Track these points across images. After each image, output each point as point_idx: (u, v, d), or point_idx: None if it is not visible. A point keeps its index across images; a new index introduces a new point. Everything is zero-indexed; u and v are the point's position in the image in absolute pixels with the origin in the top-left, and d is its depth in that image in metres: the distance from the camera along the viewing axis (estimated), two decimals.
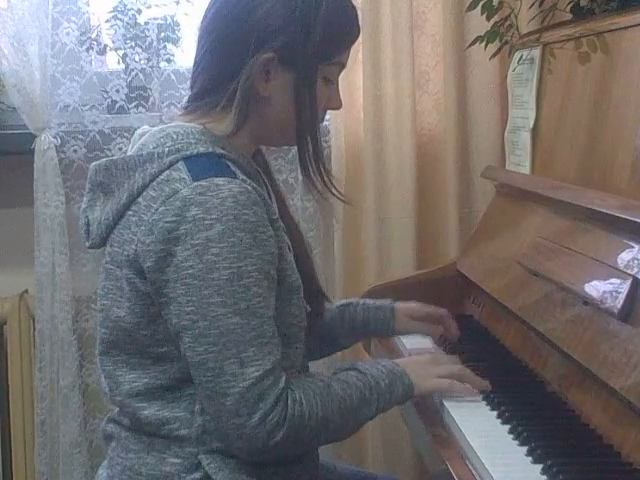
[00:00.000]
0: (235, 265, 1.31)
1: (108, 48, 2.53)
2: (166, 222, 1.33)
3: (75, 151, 2.48)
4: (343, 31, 1.48)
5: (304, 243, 1.57)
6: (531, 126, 1.99)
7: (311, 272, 1.55)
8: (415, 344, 1.83)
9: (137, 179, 1.39)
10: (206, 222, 1.31)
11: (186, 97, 1.54)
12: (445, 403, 1.49)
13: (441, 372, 1.52)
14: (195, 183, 1.33)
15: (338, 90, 1.53)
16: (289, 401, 1.34)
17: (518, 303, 1.72)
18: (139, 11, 2.51)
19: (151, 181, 1.38)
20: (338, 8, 1.46)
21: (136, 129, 1.54)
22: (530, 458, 1.27)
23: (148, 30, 2.50)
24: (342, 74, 1.55)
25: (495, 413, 1.45)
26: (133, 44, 2.49)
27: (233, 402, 1.31)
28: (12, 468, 2.55)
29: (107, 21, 2.51)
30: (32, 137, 2.45)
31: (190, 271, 1.31)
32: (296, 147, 1.49)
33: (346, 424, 1.43)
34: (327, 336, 1.74)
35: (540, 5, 2.07)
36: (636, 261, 1.38)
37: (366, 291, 2.13)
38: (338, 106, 1.55)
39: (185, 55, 2.54)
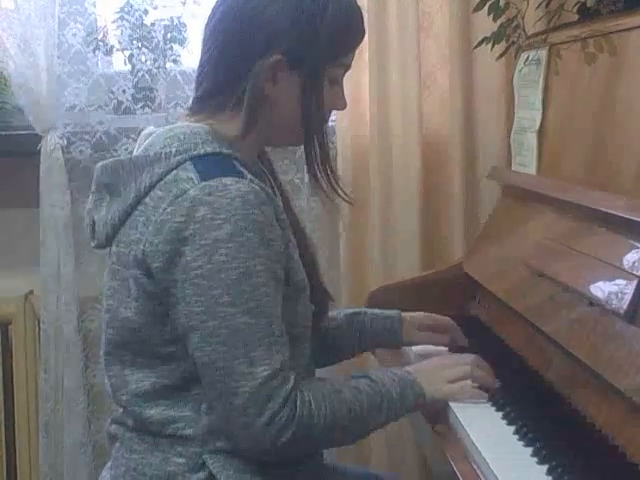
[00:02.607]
0: (244, 265, 1.32)
1: (114, 49, 2.53)
2: (174, 222, 1.33)
3: (81, 152, 2.48)
4: (349, 33, 1.49)
5: (308, 243, 1.58)
6: (537, 127, 1.99)
7: (315, 272, 1.55)
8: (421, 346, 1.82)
9: (144, 179, 1.39)
10: (215, 222, 1.31)
11: (191, 98, 1.54)
12: (450, 404, 1.49)
13: (452, 376, 1.52)
14: (203, 183, 1.34)
15: (343, 91, 1.53)
16: (298, 402, 1.34)
17: (524, 304, 1.72)
18: (146, 12, 2.51)
19: (158, 181, 1.38)
20: (344, 10, 1.46)
21: (142, 130, 1.54)
22: (536, 459, 1.27)
23: (154, 31, 2.50)
24: (348, 75, 1.55)
25: (501, 414, 1.45)
26: (139, 45, 2.50)
27: (242, 401, 1.31)
28: (16, 468, 2.54)
29: (113, 22, 2.51)
30: (38, 138, 2.45)
31: (199, 271, 1.32)
32: (303, 148, 1.49)
33: (355, 429, 1.43)
34: (333, 345, 1.73)
35: (547, 6, 2.07)
36: None
37: (372, 292, 2.13)
38: (343, 107, 1.55)
39: (191, 56, 2.53)
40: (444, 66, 2.48)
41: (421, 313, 1.81)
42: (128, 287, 1.41)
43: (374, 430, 1.47)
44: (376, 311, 1.79)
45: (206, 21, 1.50)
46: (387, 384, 1.45)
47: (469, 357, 1.58)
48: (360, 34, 1.51)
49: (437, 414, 1.51)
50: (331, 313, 1.71)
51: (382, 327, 1.76)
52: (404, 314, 1.78)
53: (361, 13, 1.51)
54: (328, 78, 1.48)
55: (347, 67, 1.52)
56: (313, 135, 1.47)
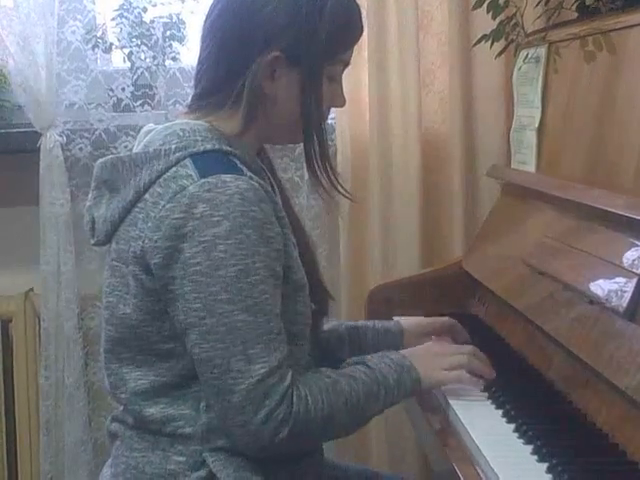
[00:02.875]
0: (242, 262, 1.32)
1: (114, 46, 2.53)
2: (173, 219, 1.33)
3: (81, 149, 2.48)
4: (347, 29, 1.48)
5: (308, 241, 1.57)
6: (537, 125, 1.99)
7: (315, 270, 1.55)
8: None
9: (144, 176, 1.39)
10: (213, 219, 1.31)
11: (190, 95, 1.54)
12: (450, 402, 1.49)
13: (449, 364, 1.52)
14: (202, 180, 1.34)
15: (342, 88, 1.53)
16: (294, 398, 1.34)
17: (523, 302, 1.72)
18: (145, 9, 2.51)
19: (158, 178, 1.38)
20: (342, 6, 1.46)
21: (142, 127, 1.54)
22: (535, 457, 1.27)
23: (154, 28, 2.50)
24: (347, 73, 1.55)
25: (500, 412, 1.45)
26: (139, 42, 2.50)
27: (239, 399, 1.31)
28: (17, 466, 2.55)
29: (113, 19, 2.51)
30: (38, 135, 2.45)
31: (197, 268, 1.32)
32: (302, 145, 1.49)
33: (353, 420, 1.43)
34: (334, 357, 1.70)
35: (546, 4, 2.07)
36: None
37: (371, 290, 2.13)
38: (342, 104, 1.55)
39: (191, 53, 2.53)
40: (443, 64, 2.48)
41: (422, 319, 1.80)
42: (127, 284, 1.41)
43: (372, 417, 1.47)
44: (377, 324, 1.76)
45: (204, 18, 1.50)
46: (384, 370, 1.45)
47: (466, 347, 1.58)
48: (358, 31, 1.51)
49: (437, 412, 1.51)
50: (332, 324, 1.71)
51: (383, 341, 1.73)
52: (405, 323, 1.76)
53: (359, 10, 1.51)
54: (327, 75, 1.47)
55: (346, 64, 1.52)
56: (312, 132, 1.47)
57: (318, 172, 1.49)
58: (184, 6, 2.54)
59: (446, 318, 1.81)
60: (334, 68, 1.49)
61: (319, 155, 1.49)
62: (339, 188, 1.52)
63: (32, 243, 2.51)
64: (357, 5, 1.50)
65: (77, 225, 2.44)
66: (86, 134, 2.49)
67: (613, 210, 1.50)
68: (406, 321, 1.78)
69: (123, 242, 1.41)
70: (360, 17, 1.51)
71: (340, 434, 1.48)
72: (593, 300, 1.46)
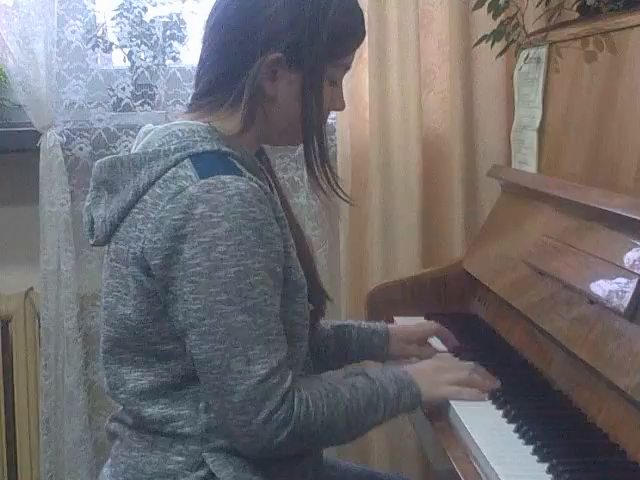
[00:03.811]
0: (242, 263, 1.31)
1: (114, 46, 2.54)
2: (173, 220, 1.33)
3: (81, 149, 2.49)
4: (350, 33, 1.48)
5: (305, 242, 1.57)
6: (537, 125, 1.99)
7: (313, 271, 1.55)
8: None
9: (143, 177, 1.38)
10: (213, 220, 1.31)
11: (191, 95, 1.54)
12: (451, 402, 1.49)
13: (449, 379, 1.51)
14: (202, 181, 1.33)
15: (342, 91, 1.53)
16: (295, 400, 1.34)
17: (524, 302, 1.72)
18: (145, 9, 2.51)
19: (157, 178, 1.37)
20: (346, 10, 1.46)
21: (142, 127, 1.53)
22: (536, 457, 1.27)
23: (154, 28, 2.51)
24: (348, 73, 1.55)
25: (501, 412, 1.45)
26: (139, 42, 2.50)
27: (239, 399, 1.31)
28: (17, 465, 2.55)
29: (113, 19, 2.51)
30: (38, 135, 2.45)
31: (197, 269, 1.31)
32: (302, 147, 1.49)
33: (351, 428, 1.42)
34: (319, 356, 1.70)
35: (547, 4, 2.07)
36: None
37: (371, 290, 2.13)
38: (341, 107, 1.55)
39: (191, 53, 2.54)
40: (444, 64, 2.48)
41: (409, 326, 1.79)
42: (127, 285, 1.40)
43: (370, 429, 1.46)
44: (363, 324, 1.76)
45: (207, 17, 1.50)
46: (384, 383, 1.45)
47: (467, 363, 1.58)
48: (361, 35, 1.51)
49: (438, 412, 1.51)
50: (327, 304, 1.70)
51: (368, 342, 1.73)
52: (393, 327, 1.76)
53: (362, 14, 1.51)
54: (328, 78, 1.47)
55: (347, 68, 1.52)
56: (312, 134, 1.47)
57: (317, 174, 1.49)
58: (184, 6, 2.54)
59: (431, 323, 1.81)
60: (335, 71, 1.48)
61: (319, 157, 1.48)
62: (338, 192, 1.51)
63: (32, 242, 2.51)
64: (360, 9, 1.50)
65: (77, 224, 2.45)
66: (86, 133, 2.49)
67: (613, 210, 1.50)
68: (393, 326, 1.78)
69: (122, 243, 1.40)
70: (363, 21, 1.51)
71: (338, 441, 1.48)
72: (593, 300, 1.46)
